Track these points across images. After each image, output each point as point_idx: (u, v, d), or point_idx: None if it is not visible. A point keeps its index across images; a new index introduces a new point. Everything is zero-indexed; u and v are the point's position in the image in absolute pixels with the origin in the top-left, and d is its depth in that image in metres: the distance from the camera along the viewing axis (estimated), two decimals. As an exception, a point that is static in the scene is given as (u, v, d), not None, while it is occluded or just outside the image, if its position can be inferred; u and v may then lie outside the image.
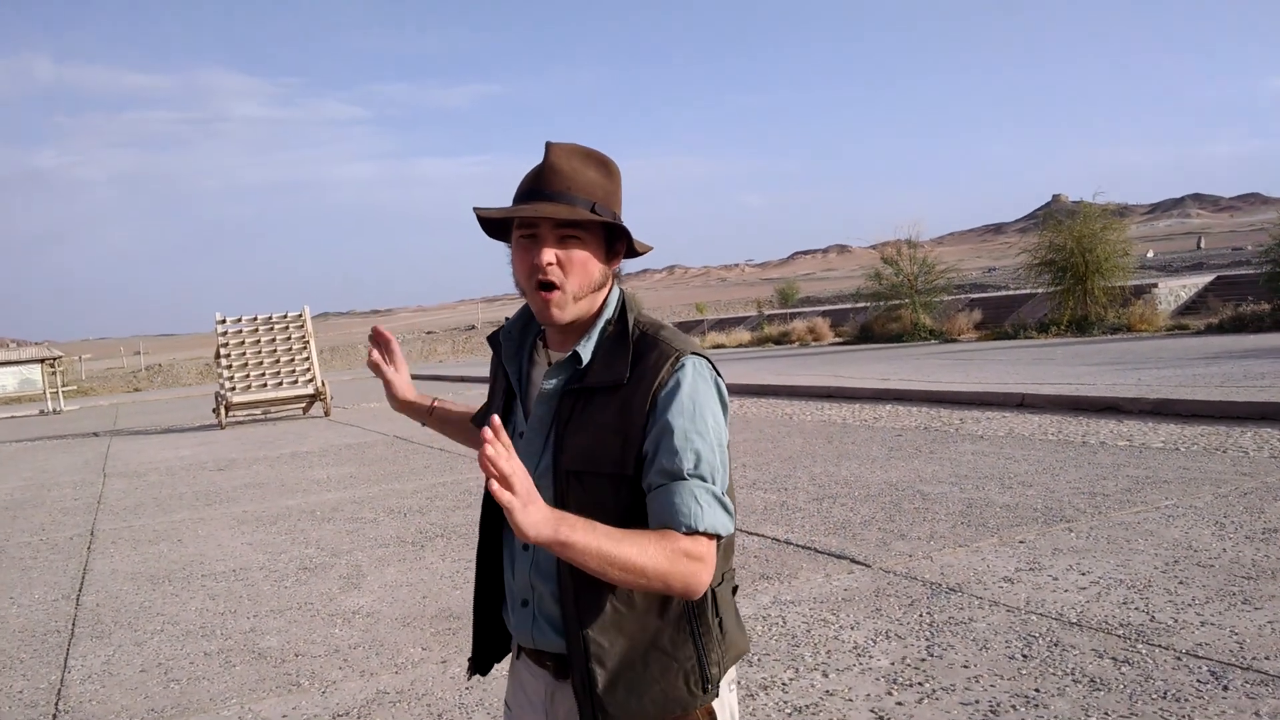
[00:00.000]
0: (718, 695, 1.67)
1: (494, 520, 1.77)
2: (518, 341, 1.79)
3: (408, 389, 2.10)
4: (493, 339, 1.84)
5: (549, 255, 1.61)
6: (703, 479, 1.55)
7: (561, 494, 1.60)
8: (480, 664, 1.88)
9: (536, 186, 1.62)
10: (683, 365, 1.59)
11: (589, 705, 1.60)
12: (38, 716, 4.36)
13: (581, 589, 1.58)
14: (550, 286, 1.62)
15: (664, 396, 1.58)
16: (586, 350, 1.65)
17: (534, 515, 1.39)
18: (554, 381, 1.67)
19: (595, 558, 1.45)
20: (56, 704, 4.51)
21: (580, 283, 1.64)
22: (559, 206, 1.59)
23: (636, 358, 1.61)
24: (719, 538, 1.56)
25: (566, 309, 1.64)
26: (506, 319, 1.84)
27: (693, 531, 1.52)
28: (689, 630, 1.64)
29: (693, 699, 1.64)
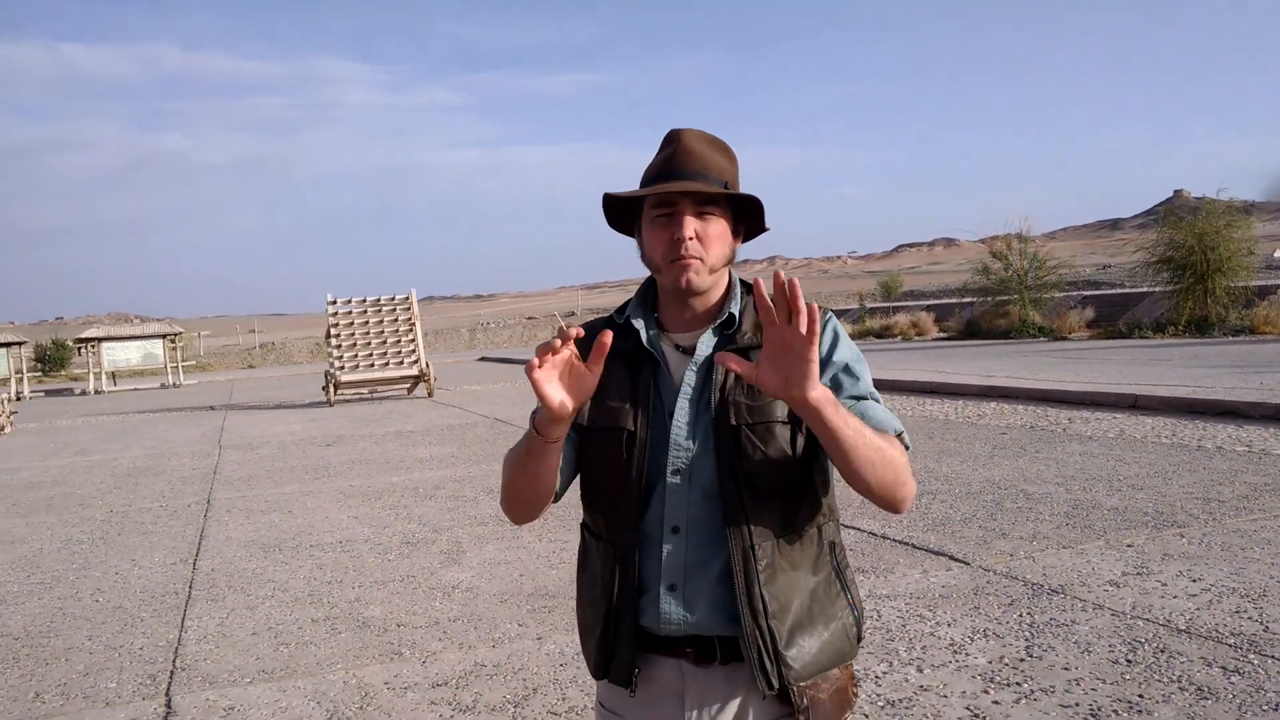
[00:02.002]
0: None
1: (628, 511, 1.71)
2: (630, 333, 1.79)
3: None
4: (608, 331, 1.69)
5: (690, 228, 1.68)
6: (878, 400, 1.73)
7: (733, 457, 1.65)
8: (624, 672, 1.73)
9: (671, 168, 1.70)
10: (830, 316, 1.71)
11: (772, 662, 1.63)
12: (156, 672, 4.60)
13: (750, 553, 1.64)
14: (690, 257, 1.69)
15: (829, 342, 1.72)
16: (736, 308, 1.75)
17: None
18: (707, 348, 1.73)
19: (854, 430, 1.54)
20: (174, 661, 4.75)
21: (717, 255, 1.72)
22: (699, 184, 1.68)
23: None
24: (908, 449, 1.70)
25: (703, 278, 1.72)
26: (613, 315, 1.82)
27: (899, 434, 1.68)
28: (839, 585, 1.75)
29: (851, 650, 1.75)
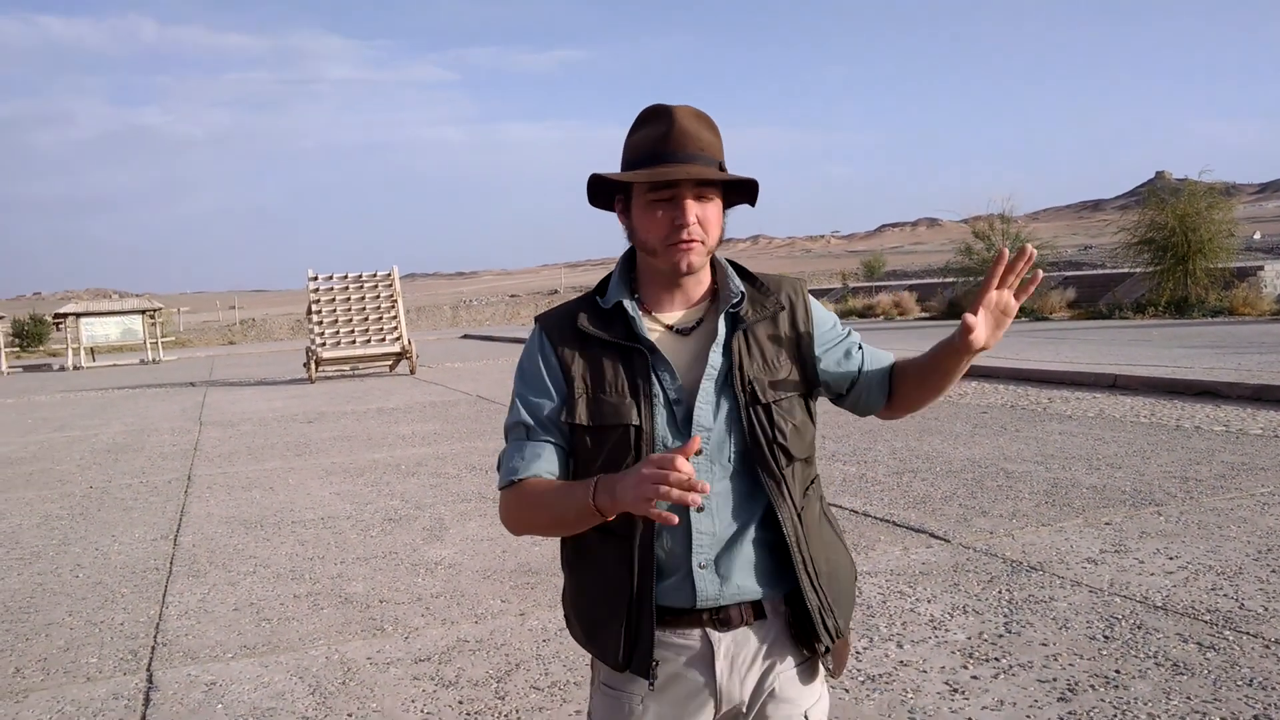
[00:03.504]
0: None
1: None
2: (615, 318, 1.77)
3: None
4: (593, 324, 1.76)
5: (692, 213, 1.69)
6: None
7: (768, 433, 1.72)
8: (645, 662, 1.71)
9: (668, 149, 1.68)
10: (805, 283, 1.88)
11: (831, 617, 1.76)
12: (138, 648, 4.59)
13: (798, 520, 1.74)
14: (693, 241, 1.70)
15: (814, 309, 1.85)
16: (739, 287, 1.78)
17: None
18: (722, 329, 1.75)
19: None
20: (155, 636, 4.73)
21: (715, 236, 1.75)
22: (703, 168, 1.68)
23: (773, 289, 1.82)
24: None
25: (703, 260, 1.76)
26: (595, 298, 1.81)
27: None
28: (836, 533, 1.88)
29: (856, 590, 1.93)
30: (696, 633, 1.74)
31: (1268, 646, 3.76)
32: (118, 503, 8.11)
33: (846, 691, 3.61)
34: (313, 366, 19.74)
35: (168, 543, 6.62)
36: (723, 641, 1.74)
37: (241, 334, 48.96)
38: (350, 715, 3.71)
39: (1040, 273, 1.71)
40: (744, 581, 1.73)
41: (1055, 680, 3.58)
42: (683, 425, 1.70)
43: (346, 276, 20.86)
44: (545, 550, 5.78)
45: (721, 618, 1.73)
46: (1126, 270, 27.11)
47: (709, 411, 1.71)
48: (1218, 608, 4.20)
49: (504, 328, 44.54)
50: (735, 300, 1.76)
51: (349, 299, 20.58)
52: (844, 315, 32.51)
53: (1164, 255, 23.15)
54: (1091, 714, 3.30)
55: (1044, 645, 3.92)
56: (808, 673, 1.81)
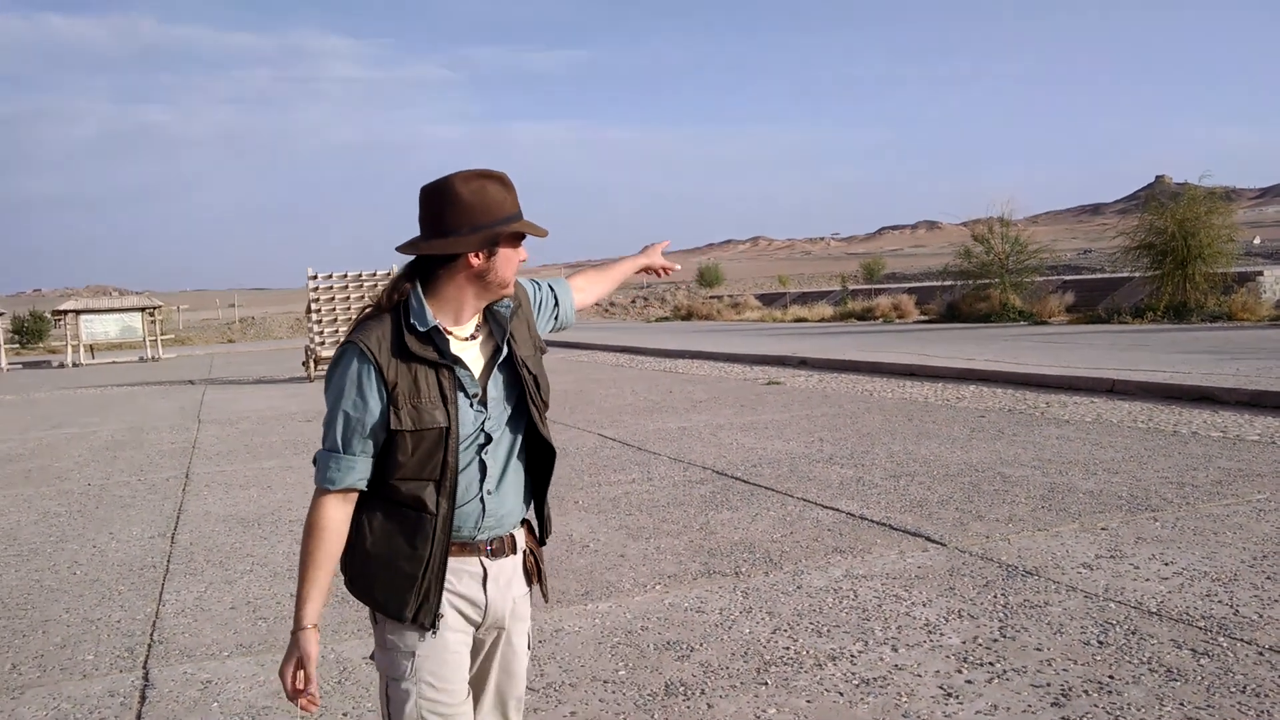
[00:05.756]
0: None
1: (448, 485, 2.12)
2: (429, 339, 2.14)
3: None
4: (417, 346, 2.12)
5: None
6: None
7: (535, 399, 2.25)
8: (432, 614, 2.15)
9: (518, 205, 2.17)
10: (528, 284, 2.46)
11: (544, 530, 2.43)
12: (134, 645, 4.59)
13: (553, 464, 2.33)
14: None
15: (528, 296, 2.41)
16: (510, 301, 2.25)
17: None
18: (503, 334, 2.22)
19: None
20: (152, 634, 4.74)
21: None
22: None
23: (512, 292, 2.27)
24: None
25: None
26: (414, 323, 2.13)
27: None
28: None
29: None
30: (475, 560, 2.20)
31: (1261, 653, 3.77)
32: (116, 500, 8.12)
33: (841, 695, 3.62)
34: (311, 365, 19.74)
35: (165, 540, 6.62)
36: (491, 570, 2.22)
37: (241, 332, 48.96)
38: (345, 715, 3.72)
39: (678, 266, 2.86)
40: (515, 515, 2.27)
41: (1049, 685, 3.59)
42: (478, 407, 2.15)
43: (346, 275, 20.86)
44: (543, 552, 5.78)
45: (495, 547, 2.23)
46: (1126, 275, 27.15)
47: (498, 391, 2.20)
48: (1212, 614, 4.21)
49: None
50: (509, 307, 2.24)
51: (349, 298, 20.57)
52: (843, 318, 32.54)
53: (1163, 260, 23.18)
54: (1085, 719, 3.31)
55: (1038, 650, 3.93)
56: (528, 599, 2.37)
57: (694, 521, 6.33)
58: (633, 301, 55.32)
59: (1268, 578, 4.63)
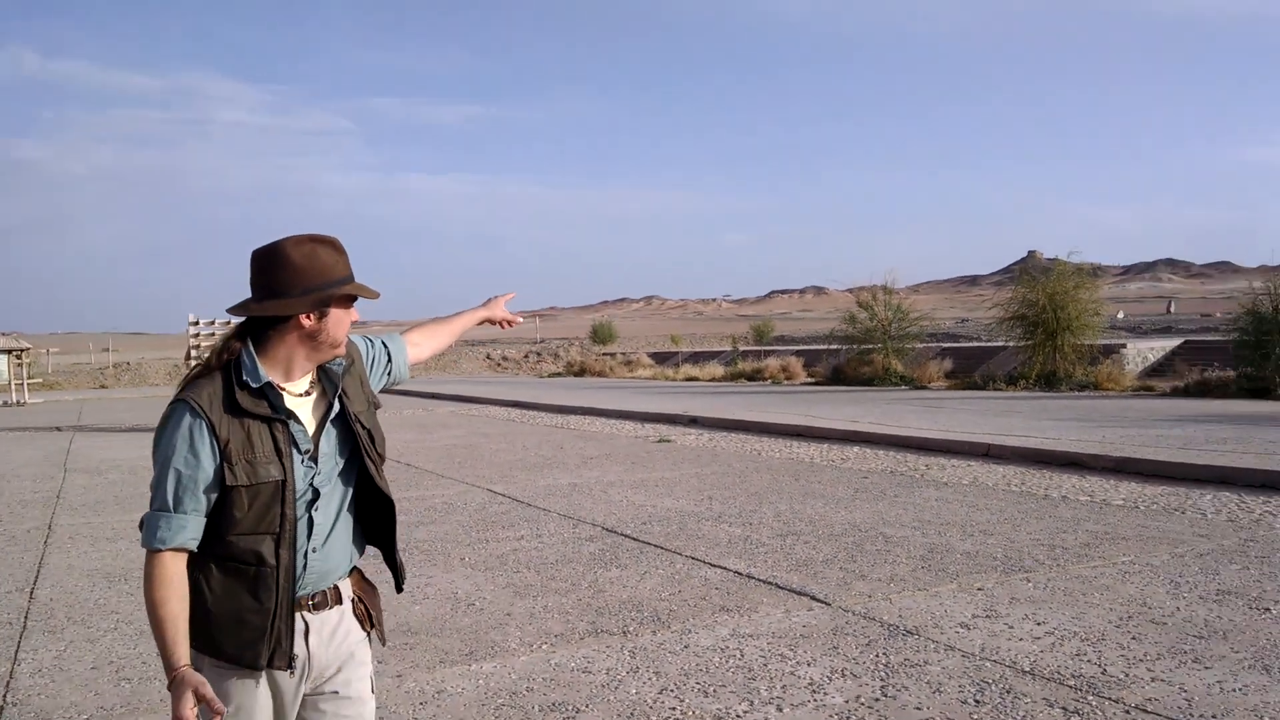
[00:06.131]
0: None
1: (287, 537, 2.15)
2: (261, 396, 2.17)
3: None
4: (249, 402, 2.15)
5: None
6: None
7: (370, 452, 2.30)
8: (287, 656, 2.17)
9: (350, 269, 2.24)
10: (360, 341, 2.49)
11: (399, 578, 2.51)
12: (-16, 708, 4.31)
13: (394, 510, 2.40)
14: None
15: (360, 354, 2.44)
16: (343, 359, 2.29)
17: None
18: (335, 390, 2.26)
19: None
20: (4, 696, 4.46)
21: None
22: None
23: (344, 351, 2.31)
24: None
25: None
26: (248, 380, 2.17)
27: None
28: None
29: None
30: (298, 615, 2.20)
31: (1128, 712, 3.91)
32: (-31, 553, 7.64)
33: (726, 755, 3.62)
34: (189, 414, 19.03)
35: (23, 596, 6.26)
36: (314, 623, 2.23)
37: (114, 378, 47.02)
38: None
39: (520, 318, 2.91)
40: (343, 569, 2.31)
41: (928, 744, 3.65)
42: (309, 462, 2.18)
43: (230, 322, 20.25)
44: (425, 610, 5.67)
45: (317, 601, 2.24)
46: (1000, 344, 28.30)
47: (330, 446, 2.24)
48: (1082, 673, 4.36)
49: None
50: (341, 365, 2.28)
51: (231, 345, 19.97)
52: (733, 378, 32.98)
53: (1035, 331, 24.25)
54: (962, 777, 3.37)
55: (918, 709, 4.00)
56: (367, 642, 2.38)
57: (582, 579, 6.28)
58: (525, 357, 55.13)
59: (1133, 638, 4.83)
